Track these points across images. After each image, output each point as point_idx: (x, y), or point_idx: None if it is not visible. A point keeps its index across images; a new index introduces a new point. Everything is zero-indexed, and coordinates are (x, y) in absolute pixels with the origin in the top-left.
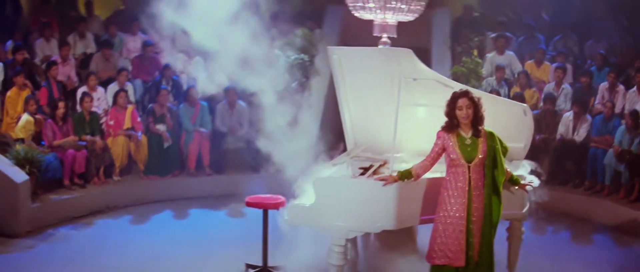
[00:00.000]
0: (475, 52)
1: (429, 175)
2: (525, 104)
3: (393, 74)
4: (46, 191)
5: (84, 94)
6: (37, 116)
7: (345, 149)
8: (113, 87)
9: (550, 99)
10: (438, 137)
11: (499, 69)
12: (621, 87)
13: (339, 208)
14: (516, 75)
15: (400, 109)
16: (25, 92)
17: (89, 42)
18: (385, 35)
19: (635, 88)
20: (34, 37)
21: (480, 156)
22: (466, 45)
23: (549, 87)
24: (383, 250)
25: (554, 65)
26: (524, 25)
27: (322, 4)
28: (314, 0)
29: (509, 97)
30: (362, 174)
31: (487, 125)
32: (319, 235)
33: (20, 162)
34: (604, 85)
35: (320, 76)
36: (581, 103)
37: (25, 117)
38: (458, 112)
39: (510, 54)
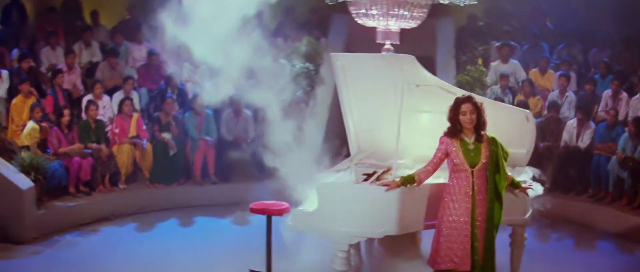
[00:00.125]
0: (480, 61)
1: (432, 180)
2: (527, 110)
3: (396, 80)
4: (51, 198)
5: (90, 102)
6: (43, 124)
7: (348, 155)
8: (118, 96)
9: (554, 106)
10: (441, 143)
11: (504, 77)
12: (624, 95)
13: (342, 213)
14: (520, 84)
15: (403, 115)
16: (31, 100)
17: (95, 51)
18: (388, 42)
19: (638, 95)
20: (39, 45)
21: (483, 161)
22: (471, 54)
23: (553, 95)
24: (387, 256)
25: (558, 73)
26: (529, 34)
27: (327, 13)
28: (319, 9)
29: (513, 105)
30: (366, 180)
31: (490, 132)
32: (322, 241)
33: (26, 169)
34: (607, 93)
35: (326, 85)
36: (585, 110)
37: (31, 124)
38: (462, 118)
39: (514, 62)
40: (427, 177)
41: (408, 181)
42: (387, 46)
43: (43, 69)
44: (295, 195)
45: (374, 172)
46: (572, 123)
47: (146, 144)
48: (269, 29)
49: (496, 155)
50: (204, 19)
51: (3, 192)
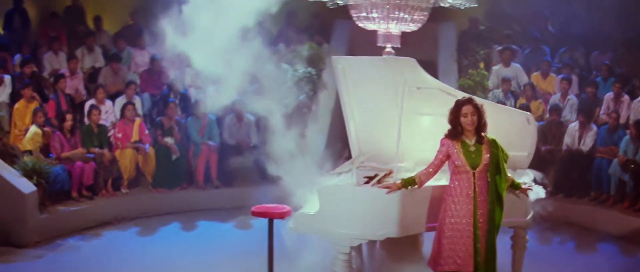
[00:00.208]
0: (482, 65)
1: (433, 182)
2: (528, 113)
3: (397, 83)
4: (54, 202)
5: (92, 106)
6: (45, 128)
7: (349, 157)
8: (121, 100)
9: (556, 110)
10: (442, 144)
11: (505, 81)
12: (626, 97)
13: (343, 216)
14: (522, 87)
15: (404, 118)
16: (33, 105)
17: (98, 56)
18: (389, 45)
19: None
20: (42, 50)
21: (484, 162)
22: (472, 58)
23: (555, 98)
24: (388, 259)
25: (560, 76)
26: (530, 38)
27: (329, 18)
28: (321, 14)
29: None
30: (367, 182)
31: (491, 134)
32: (324, 244)
33: (28, 173)
34: (609, 96)
35: (328, 90)
36: (586, 113)
37: (33, 129)
38: (463, 120)
39: (516, 66)
40: (428, 179)
41: (409, 183)
42: (388, 49)
43: (45, 74)
44: (298, 199)
45: (376, 175)
46: (573, 126)
47: (149, 149)
48: (271, 34)
49: (497, 157)
50: (206, 26)
51: (5, 197)
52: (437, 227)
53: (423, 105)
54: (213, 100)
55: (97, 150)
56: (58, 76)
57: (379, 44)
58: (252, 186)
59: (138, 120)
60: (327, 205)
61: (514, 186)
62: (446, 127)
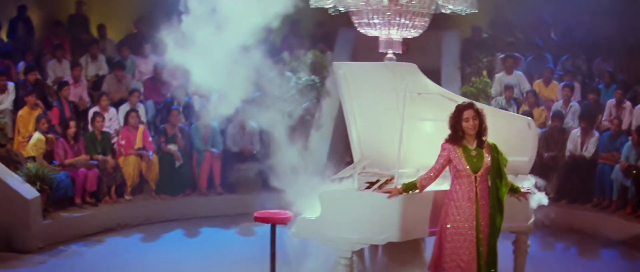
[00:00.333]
0: (485, 73)
1: (435, 187)
2: (529, 117)
3: (398, 88)
4: (57, 208)
5: (96, 113)
6: (49, 135)
7: (351, 162)
8: (124, 108)
9: (558, 116)
10: (443, 149)
11: (508, 88)
12: (628, 104)
13: (345, 220)
14: (525, 95)
15: (406, 124)
16: (37, 112)
17: (101, 64)
18: (390, 51)
19: None
20: (46, 58)
21: (486, 166)
22: (475, 65)
23: (557, 105)
24: (391, 264)
25: (562, 83)
26: (533, 46)
27: (333, 27)
28: (325, 23)
29: None
30: (368, 188)
31: (492, 140)
32: (326, 250)
33: (31, 179)
34: (611, 102)
35: (331, 97)
36: (588, 119)
37: (37, 135)
38: (464, 124)
39: (518, 73)
40: (429, 183)
41: (410, 187)
42: (389, 55)
43: (49, 81)
44: (300, 206)
45: (377, 181)
46: (576, 132)
47: (152, 156)
48: (275, 42)
49: (497, 161)
50: (209, 36)
51: (9, 202)
52: (438, 232)
53: (424, 111)
54: (216, 108)
55: (100, 157)
56: (61, 84)
57: (380, 50)
58: (255, 192)
59: (141, 127)
60: (329, 210)
61: (514, 190)
62: (447, 132)
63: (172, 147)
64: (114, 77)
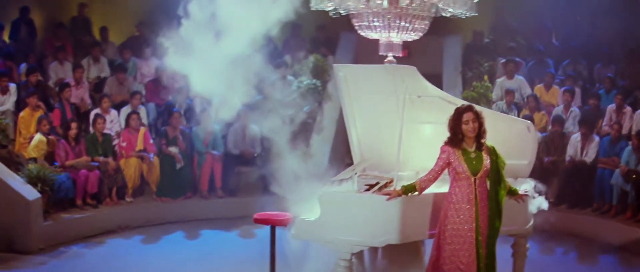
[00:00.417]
0: (486, 77)
1: (435, 190)
2: (528, 121)
3: (398, 91)
4: (59, 209)
5: (97, 115)
6: (50, 137)
7: (351, 163)
8: (126, 110)
9: (558, 121)
10: (442, 152)
11: (509, 92)
12: (628, 109)
13: (344, 222)
14: (525, 99)
15: (405, 127)
16: (38, 113)
17: (103, 67)
18: (390, 54)
19: None
20: (48, 60)
21: (485, 169)
22: (477, 70)
23: (558, 110)
24: (390, 267)
25: (563, 88)
26: (534, 51)
27: (335, 31)
28: (327, 27)
29: None
30: (368, 190)
31: (491, 143)
32: (326, 252)
33: (33, 181)
34: (611, 107)
35: (332, 101)
36: (588, 124)
37: (38, 136)
38: (464, 127)
39: (519, 78)
40: (428, 185)
41: (409, 189)
42: (389, 58)
43: (51, 83)
44: (301, 209)
45: (377, 183)
46: (576, 137)
47: (153, 158)
48: (276, 46)
49: (496, 164)
50: (210, 40)
51: (10, 203)
52: (436, 234)
53: (424, 114)
54: (218, 111)
55: (101, 158)
56: (63, 85)
57: (380, 53)
58: (256, 195)
59: (143, 129)
60: (328, 211)
61: (511, 193)
62: (447, 135)
63: (173, 150)
64: (115, 79)
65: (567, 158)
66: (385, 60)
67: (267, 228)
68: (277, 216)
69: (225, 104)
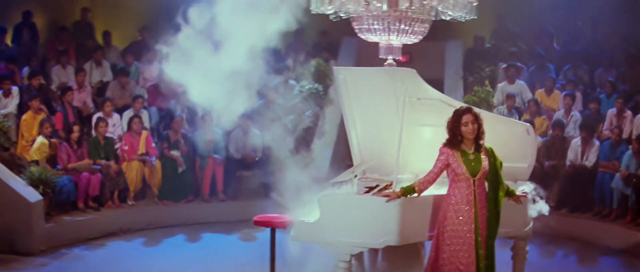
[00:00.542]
0: (487, 82)
1: (435, 191)
2: (527, 123)
3: (398, 93)
4: (60, 212)
5: (99, 119)
6: (52, 139)
7: (351, 165)
8: (128, 114)
9: (559, 125)
10: (441, 153)
11: (510, 97)
12: (629, 113)
13: (343, 224)
14: (526, 104)
15: (405, 130)
16: (41, 116)
17: (106, 71)
18: (390, 57)
19: None
20: (50, 64)
21: (484, 170)
22: (478, 75)
23: (559, 114)
24: (390, 269)
25: (564, 93)
26: (535, 55)
27: (337, 36)
28: (329, 31)
29: None
30: (367, 193)
31: (490, 146)
32: (326, 254)
33: (34, 183)
34: (612, 112)
35: (334, 105)
36: (588, 129)
37: (40, 139)
38: (463, 128)
39: (520, 83)
40: (427, 187)
41: (408, 191)
42: (389, 61)
43: (53, 87)
44: (302, 214)
45: (376, 186)
46: (576, 142)
47: (155, 161)
48: (279, 50)
49: (494, 165)
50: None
51: (12, 205)
52: (435, 235)
53: (424, 117)
54: (219, 114)
55: (103, 162)
56: (65, 89)
57: (380, 56)
58: (258, 198)
59: (145, 133)
60: (328, 213)
61: (509, 194)
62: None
63: (175, 153)
64: (118, 83)
65: (568, 162)
66: (385, 63)
67: (268, 232)
68: (277, 218)
69: (227, 109)
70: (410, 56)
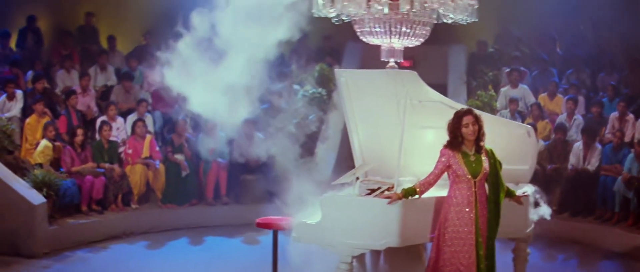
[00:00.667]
0: (491, 86)
1: (436, 193)
2: (528, 125)
3: (399, 96)
4: (64, 215)
5: (103, 122)
6: (56, 143)
7: (353, 167)
8: (132, 117)
9: (561, 129)
10: (442, 155)
11: (513, 101)
12: (631, 117)
13: (344, 225)
14: (529, 108)
15: (407, 132)
16: (45, 120)
17: (110, 75)
18: (392, 60)
19: None
20: (55, 68)
21: (484, 171)
22: (481, 79)
23: (561, 118)
24: (392, 271)
25: (566, 97)
26: (538, 60)
27: (341, 40)
28: (333, 36)
29: None
30: (369, 195)
31: (491, 148)
32: (329, 257)
33: (38, 185)
34: (614, 115)
35: (338, 110)
36: (590, 133)
37: (44, 142)
38: (464, 130)
39: (523, 87)
40: (428, 188)
41: (409, 193)
42: (391, 64)
43: (57, 91)
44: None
45: (378, 188)
46: (578, 145)
47: (159, 165)
48: (283, 55)
49: (495, 166)
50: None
51: (15, 207)
52: (436, 236)
53: (425, 119)
54: (224, 118)
55: (107, 165)
56: (69, 92)
57: (382, 59)
58: (262, 202)
59: (149, 137)
60: (329, 215)
61: (509, 194)
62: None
63: (179, 157)
64: (122, 87)
65: (570, 166)
66: (387, 66)
67: (271, 235)
68: (279, 220)
69: (230, 116)
70: (413, 61)
